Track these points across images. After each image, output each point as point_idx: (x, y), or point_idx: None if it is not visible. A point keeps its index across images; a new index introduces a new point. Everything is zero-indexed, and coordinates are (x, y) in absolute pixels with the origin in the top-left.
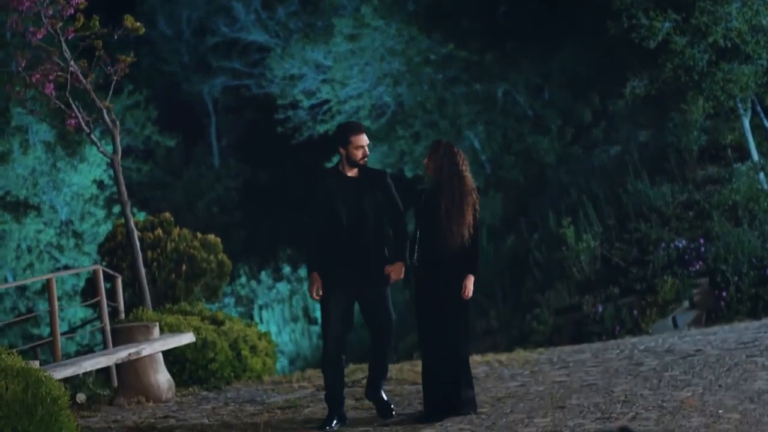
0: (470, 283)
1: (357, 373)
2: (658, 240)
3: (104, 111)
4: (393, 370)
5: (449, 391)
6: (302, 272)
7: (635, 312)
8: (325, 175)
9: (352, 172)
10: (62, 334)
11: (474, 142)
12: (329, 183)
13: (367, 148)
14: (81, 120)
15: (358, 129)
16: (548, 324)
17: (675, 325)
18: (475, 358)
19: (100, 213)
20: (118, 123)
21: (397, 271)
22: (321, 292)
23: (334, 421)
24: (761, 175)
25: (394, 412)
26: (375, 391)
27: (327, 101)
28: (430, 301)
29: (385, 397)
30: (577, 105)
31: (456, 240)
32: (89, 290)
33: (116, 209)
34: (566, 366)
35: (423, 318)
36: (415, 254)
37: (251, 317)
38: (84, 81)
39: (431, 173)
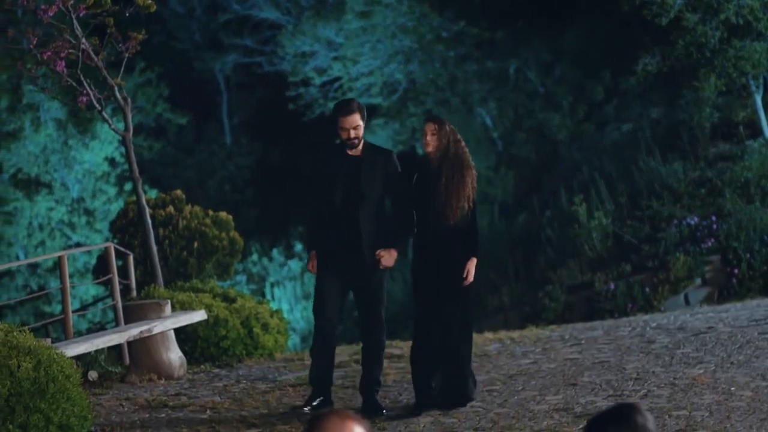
0: (473, 267)
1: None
2: (670, 217)
3: (116, 88)
4: (404, 347)
5: (445, 384)
6: None
7: (647, 289)
8: (326, 152)
9: (353, 151)
10: (74, 311)
11: (486, 119)
12: (328, 161)
13: (353, 131)
14: (92, 97)
15: (345, 110)
16: (560, 301)
17: (687, 302)
18: (486, 335)
19: (112, 190)
20: (129, 100)
21: (388, 258)
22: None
23: (319, 399)
24: None
25: (384, 412)
26: (368, 391)
27: (338, 78)
28: (427, 290)
29: (378, 400)
30: (589, 82)
31: (455, 213)
32: (101, 268)
33: (128, 187)
34: (578, 343)
35: (420, 308)
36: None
37: (263, 295)
38: (95, 58)
39: (433, 150)
